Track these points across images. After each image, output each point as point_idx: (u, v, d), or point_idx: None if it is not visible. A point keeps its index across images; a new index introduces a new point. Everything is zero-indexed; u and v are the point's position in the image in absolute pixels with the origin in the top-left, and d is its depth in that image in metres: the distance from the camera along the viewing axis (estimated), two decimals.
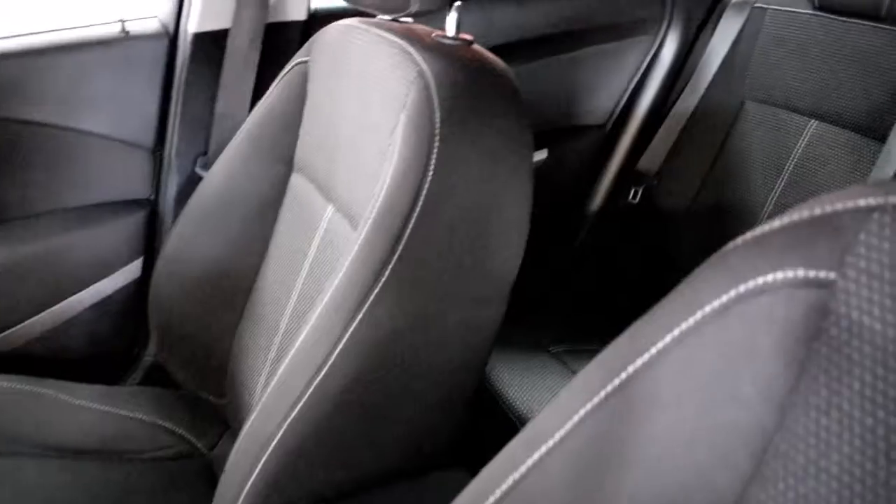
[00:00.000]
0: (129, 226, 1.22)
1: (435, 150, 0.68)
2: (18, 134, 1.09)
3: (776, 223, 0.32)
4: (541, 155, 1.48)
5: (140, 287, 1.25)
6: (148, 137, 1.21)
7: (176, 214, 1.18)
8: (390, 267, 0.68)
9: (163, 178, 1.23)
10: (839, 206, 0.30)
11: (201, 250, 1.00)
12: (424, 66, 0.73)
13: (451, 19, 0.79)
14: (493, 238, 0.74)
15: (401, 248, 0.68)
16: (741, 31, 1.45)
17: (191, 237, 1.01)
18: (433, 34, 0.81)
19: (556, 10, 1.44)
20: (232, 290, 1.00)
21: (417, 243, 0.68)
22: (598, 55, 1.52)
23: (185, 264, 1.02)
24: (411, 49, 0.76)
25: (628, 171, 1.59)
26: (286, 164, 0.97)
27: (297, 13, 1.21)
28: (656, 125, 1.56)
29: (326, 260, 0.87)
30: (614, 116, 1.61)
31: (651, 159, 1.54)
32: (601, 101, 1.59)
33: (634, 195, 1.55)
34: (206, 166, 1.17)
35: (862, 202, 0.29)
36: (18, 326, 1.16)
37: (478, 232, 0.72)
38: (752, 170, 1.40)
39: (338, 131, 0.87)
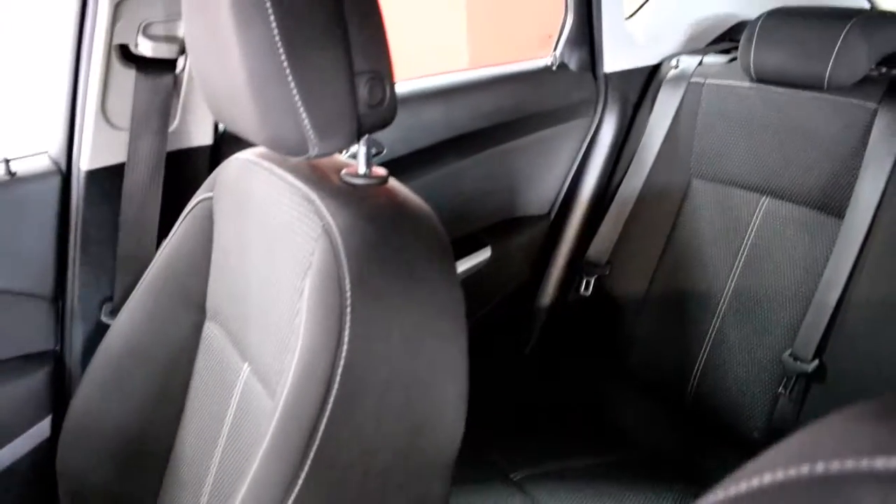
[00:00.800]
0: (34, 382, 1.08)
1: (347, 324, 0.59)
2: None
3: None
4: (483, 255, 1.38)
5: (49, 450, 1.10)
6: (46, 285, 1.08)
7: (83, 366, 1.07)
8: (309, 461, 0.59)
9: (66, 328, 1.11)
10: None
11: (112, 409, 0.92)
12: (330, 220, 0.64)
13: (361, 155, 0.69)
14: (428, 418, 0.64)
15: (318, 438, 0.59)
16: (680, 108, 1.40)
17: (100, 394, 0.93)
18: (341, 171, 0.71)
19: (487, 102, 1.36)
20: (149, 452, 0.92)
21: (337, 432, 0.60)
22: (536, 143, 1.44)
23: (95, 425, 0.93)
24: (315, 197, 0.67)
25: (577, 262, 1.51)
26: (198, 310, 0.89)
27: (202, 138, 1.10)
28: (602, 210, 1.49)
29: (246, 429, 0.79)
30: (557, 204, 1.54)
31: (600, 247, 1.46)
32: (543, 189, 1.51)
33: (586, 286, 1.45)
34: (113, 313, 1.06)
35: None
36: None
37: (408, 413, 0.63)
38: (706, 252, 1.33)
39: (247, 282, 0.79)
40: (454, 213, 1.34)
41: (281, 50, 0.60)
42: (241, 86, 0.62)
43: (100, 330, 1.06)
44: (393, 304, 0.62)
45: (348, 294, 0.60)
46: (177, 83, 1.05)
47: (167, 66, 1.01)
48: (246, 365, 0.80)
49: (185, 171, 1.09)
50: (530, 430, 1.32)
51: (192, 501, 0.85)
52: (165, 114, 1.03)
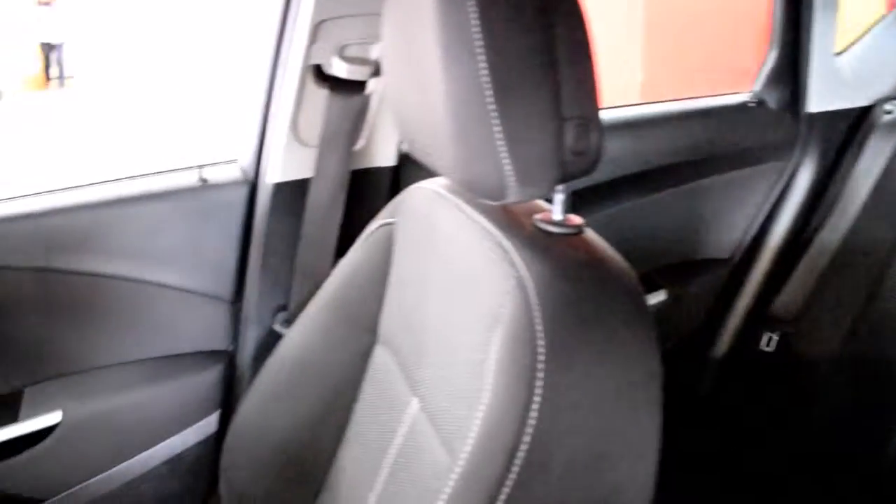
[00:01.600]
0: (207, 378, 1.15)
1: (538, 390, 0.56)
2: (89, 286, 1.06)
3: None
4: (658, 297, 1.31)
5: (216, 443, 1.17)
6: (226, 289, 1.14)
7: (254, 369, 1.12)
8: None
9: (241, 331, 1.16)
10: None
11: (279, 416, 0.94)
12: (524, 272, 0.60)
13: (558, 203, 0.66)
14: (613, 496, 0.60)
15: None
16: (894, 157, 1.27)
17: (267, 403, 0.95)
18: (534, 216, 0.68)
19: (676, 138, 1.30)
20: (308, 469, 0.92)
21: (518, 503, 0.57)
22: (725, 183, 1.36)
23: (261, 429, 0.95)
24: (508, 244, 0.64)
25: (759, 313, 1.39)
26: (370, 332, 0.88)
27: (385, 159, 1.13)
28: (792, 260, 1.37)
29: (413, 469, 0.77)
30: (742, 249, 1.43)
31: (788, 299, 1.34)
32: (727, 232, 1.41)
33: (768, 342, 1.34)
34: (287, 322, 1.10)
35: None
36: (81, 486, 1.09)
37: (593, 490, 0.59)
38: None
39: (425, 316, 0.77)
40: (629, 250, 1.28)
41: (488, 90, 0.57)
42: (441, 121, 0.61)
43: (271, 336, 1.10)
44: (587, 371, 0.58)
45: (541, 358, 0.56)
46: (365, 104, 1.08)
47: (358, 87, 1.04)
48: (416, 400, 0.79)
49: (366, 190, 1.11)
50: (685, 472, 1.22)
51: None
52: (353, 133, 1.06)
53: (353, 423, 0.90)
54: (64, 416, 1.07)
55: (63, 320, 1.08)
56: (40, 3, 5.65)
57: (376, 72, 1.03)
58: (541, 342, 0.57)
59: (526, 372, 0.57)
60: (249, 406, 0.97)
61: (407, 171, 1.13)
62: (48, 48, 5.72)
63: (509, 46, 0.58)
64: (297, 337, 0.94)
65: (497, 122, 0.58)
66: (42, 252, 1.03)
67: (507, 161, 0.59)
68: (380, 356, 0.88)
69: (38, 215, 1.02)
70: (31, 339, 1.07)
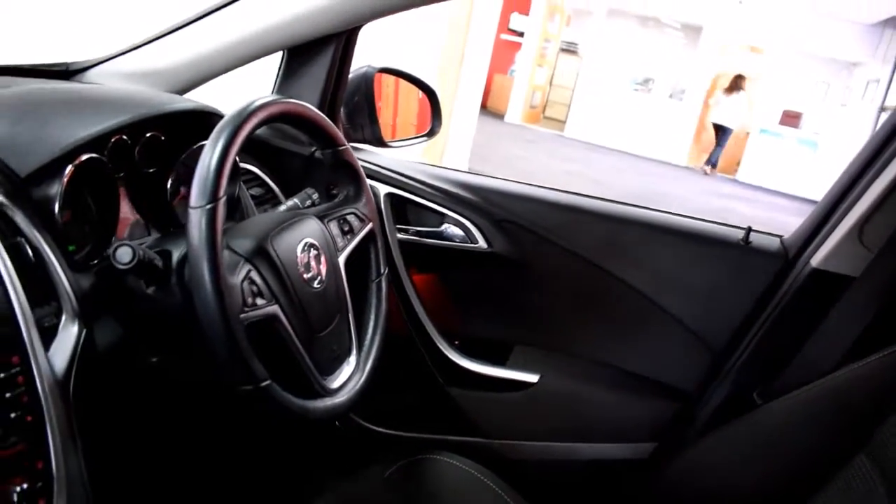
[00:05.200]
0: (656, 409, 1.27)
1: None
2: (611, 288, 1.25)
3: None
4: None
5: (637, 469, 1.28)
6: (718, 341, 1.23)
7: (708, 425, 1.19)
8: None
9: (711, 386, 1.23)
10: None
11: (724, 468, 1.05)
12: None
13: None
14: None
15: None
16: None
17: (716, 453, 1.07)
18: None
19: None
20: None
21: None
22: None
23: (699, 473, 1.08)
24: None
25: None
26: (857, 441, 0.88)
27: None
28: None
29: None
30: None
31: None
32: None
33: None
34: (764, 397, 1.14)
35: None
36: (528, 443, 1.31)
37: None
38: None
39: None
40: None
41: None
42: None
43: (739, 402, 1.16)
44: None
45: None
46: None
47: None
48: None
49: None
50: None
51: None
52: None
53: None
54: (539, 380, 1.29)
55: (577, 307, 1.29)
56: None
57: None
58: None
59: None
60: (701, 453, 1.09)
61: None
62: None
63: None
64: (771, 413, 1.01)
65: None
66: (594, 247, 1.24)
67: None
68: (861, 465, 0.86)
69: (605, 217, 1.24)
70: (544, 310, 1.30)
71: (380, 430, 1.38)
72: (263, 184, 1.21)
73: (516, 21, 11.85)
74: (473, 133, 5.07)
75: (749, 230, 1.20)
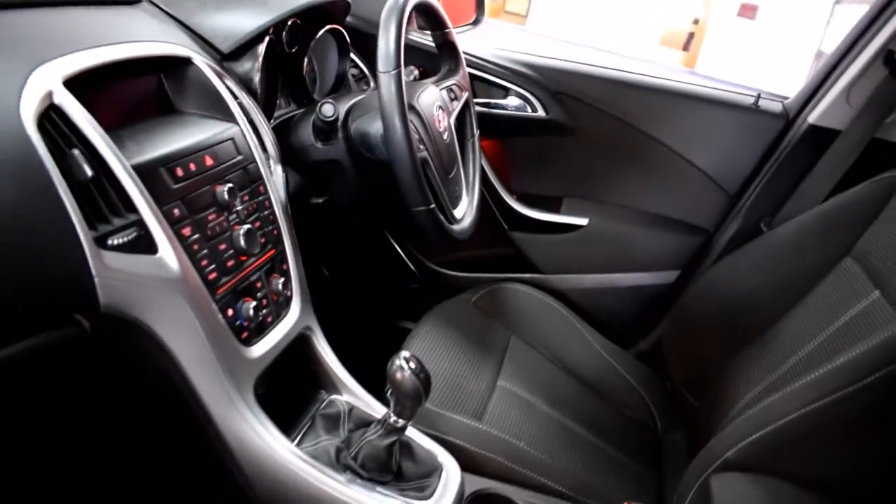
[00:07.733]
0: (682, 243, 1.55)
1: None
2: (643, 143, 1.49)
3: None
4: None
5: (666, 292, 1.58)
6: (733, 185, 1.50)
7: (722, 253, 1.47)
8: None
9: (727, 221, 1.50)
10: None
11: (737, 282, 1.19)
12: None
13: None
14: None
15: None
16: None
17: (732, 271, 1.22)
18: None
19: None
20: (750, 319, 1.12)
21: None
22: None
23: (717, 289, 1.23)
24: None
25: None
26: (843, 248, 1.03)
27: None
28: None
29: (857, 328, 0.90)
30: None
31: None
32: None
33: None
34: (769, 226, 1.40)
35: None
36: (578, 275, 1.61)
37: None
38: None
39: None
40: None
41: None
42: None
43: (750, 235, 1.38)
44: None
45: None
46: None
47: None
48: (877, 291, 0.91)
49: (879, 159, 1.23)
50: None
51: (775, 363, 1.01)
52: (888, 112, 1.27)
53: (804, 303, 1.04)
54: (588, 223, 1.57)
55: (618, 162, 1.52)
56: None
57: None
58: None
59: None
60: (716, 270, 1.26)
61: None
62: None
63: None
64: (779, 235, 1.17)
65: None
66: (632, 112, 1.47)
67: None
68: (848, 265, 1.00)
69: (642, 87, 1.46)
70: (591, 166, 1.54)
71: (459, 274, 1.68)
72: (356, 65, 1.41)
73: None
74: None
75: (759, 96, 1.47)
